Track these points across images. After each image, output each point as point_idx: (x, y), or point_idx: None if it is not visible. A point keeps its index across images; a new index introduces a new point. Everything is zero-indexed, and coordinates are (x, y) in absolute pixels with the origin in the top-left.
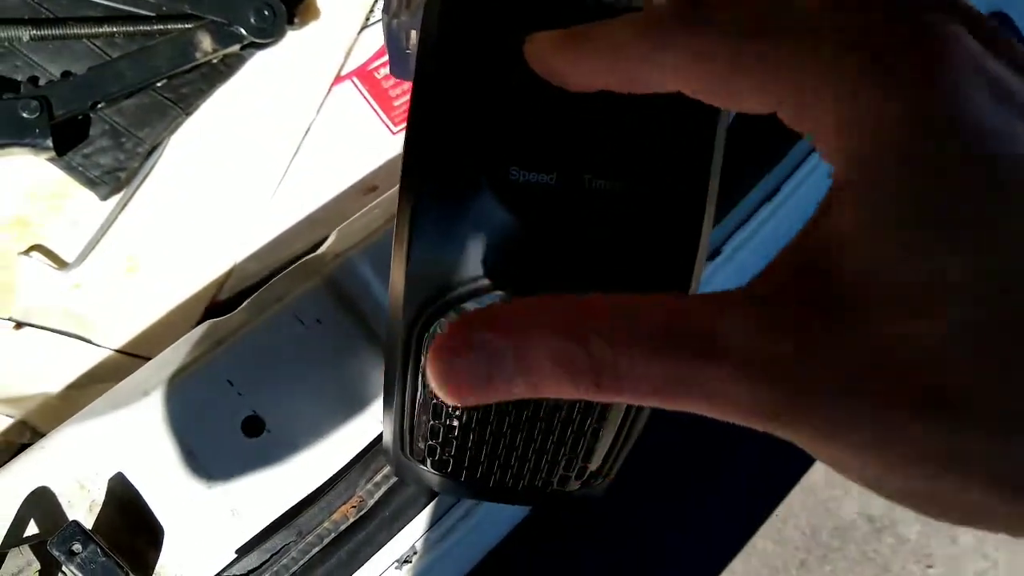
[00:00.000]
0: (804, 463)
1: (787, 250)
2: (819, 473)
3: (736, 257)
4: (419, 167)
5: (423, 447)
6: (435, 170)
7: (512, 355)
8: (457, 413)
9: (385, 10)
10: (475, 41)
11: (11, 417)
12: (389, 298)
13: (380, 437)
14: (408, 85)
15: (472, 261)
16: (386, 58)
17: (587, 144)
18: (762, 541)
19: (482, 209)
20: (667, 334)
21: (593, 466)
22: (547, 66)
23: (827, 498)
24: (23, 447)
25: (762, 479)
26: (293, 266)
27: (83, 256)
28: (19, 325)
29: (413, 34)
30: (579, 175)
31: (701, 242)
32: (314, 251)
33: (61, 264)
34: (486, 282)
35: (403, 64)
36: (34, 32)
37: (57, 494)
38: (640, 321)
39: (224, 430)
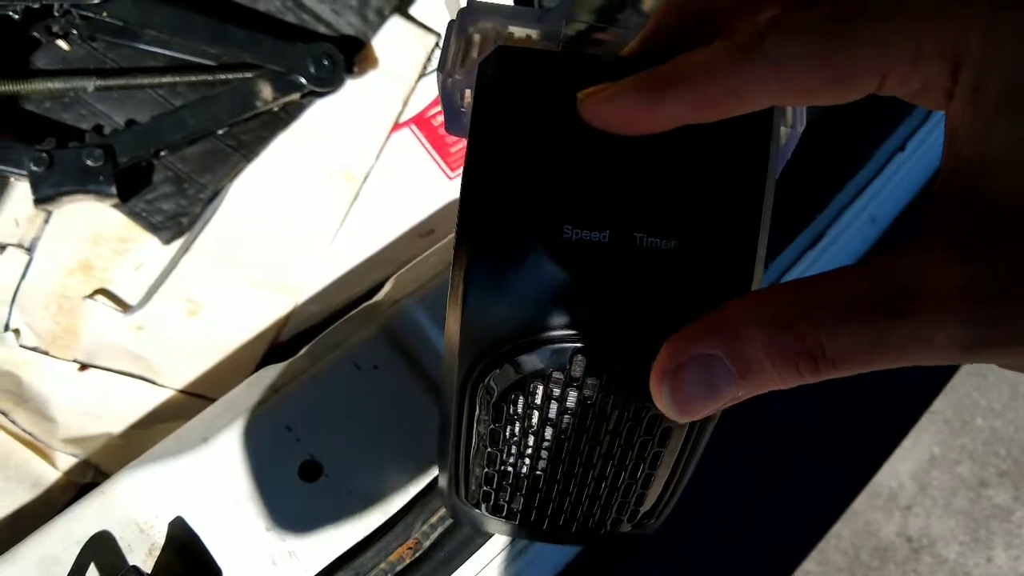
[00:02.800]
0: (848, 489)
1: (943, 185)
2: (860, 496)
3: None
4: (474, 225)
5: (478, 492)
6: (490, 228)
7: (728, 359)
8: (511, 461)
9: (439, 68)
10: (527, 102)
11: (75, 457)
12: (444, 349)
13: (436, 480)
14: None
15: (525, 316)
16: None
17: (638, 201)
18: (806, 562)
19: (536, 267)
20: (865, 301)
21: (645, 508)
22: (620, 113)
23: (868, 520)
24: (86, 486)
25: (808, 505)
26: (351, 313)
27: (145, 299)
28: (83, 367)
29: (467, 92)
30: (630, 233)
31: None
32: (373, 293)
33: (124, 307)
34: (538, 337)
35: (457, 121)
36: (99, 82)
37: (117, 538)
38: (836, 296)
39: (282, 474)
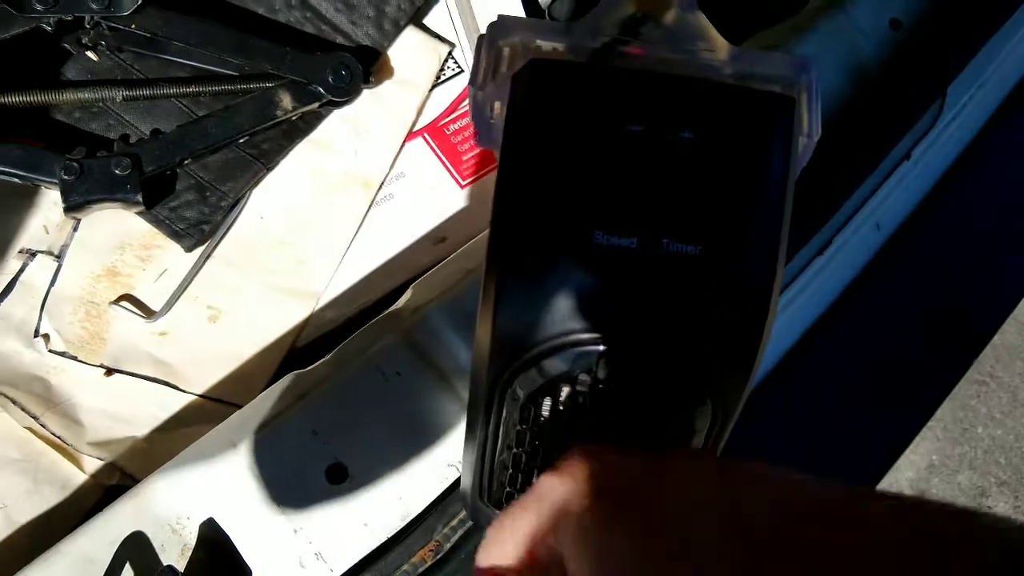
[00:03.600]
0: None
1: None
2: None
3: (787, 310)
4: (507, 231)
5: (500, 493)
6: (523, 234)
7: None
8: (538, 463)
9: (471, 82)
10: (559, 113)
11: (101, 459)
12: (473, 353)
13: (456, 483)
14: (476, 145)
15: (553, 320)
16: (456, 114)
17: (665, 209)
18: None
19: (567, 271)
20: None
21: None
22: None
23: None
24: (112, 488)
25: None
26: (373, 320)
27: (169, 305)
28: (109, 372)
29: (497, 105)
30: (658, 239)
31: (771, 305)
32: (388, 299)
33: (148, 313)
34: (567, 339)
35: (487, 133)
36: (127, 93)
37: (151, 538)
38: None
39: (309, 477)
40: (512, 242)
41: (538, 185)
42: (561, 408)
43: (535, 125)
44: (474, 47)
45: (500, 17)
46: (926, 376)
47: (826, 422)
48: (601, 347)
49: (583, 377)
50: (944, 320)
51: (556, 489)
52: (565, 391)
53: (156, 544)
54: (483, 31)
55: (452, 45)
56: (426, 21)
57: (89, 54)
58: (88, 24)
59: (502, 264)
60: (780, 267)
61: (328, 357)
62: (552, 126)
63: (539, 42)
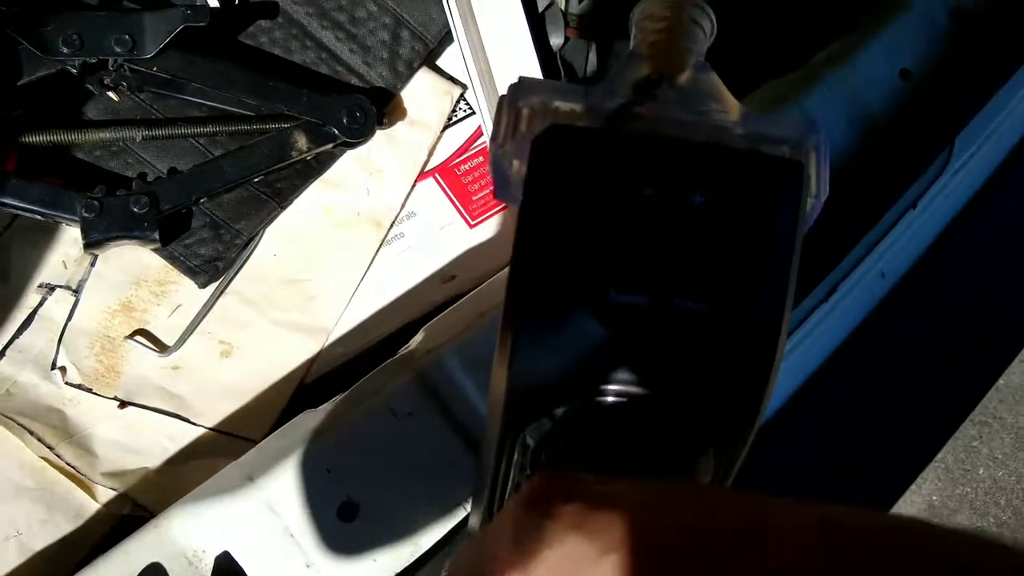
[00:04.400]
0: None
1: None
2: None
3: (792, 355)
4: (525, 287)
5: None
6: (539, 291)
7: None
8: None
9: (492, 139)
10: (576, 176)
11: (114, 490)
12: (488, 401)
13: (465, 521)
14: (490, 183)
15: (566, 373)
16: (466, 155)
17: (677, 268)
18: None
19: (582, 327)
20: None
21: None
22: None
23: None
24: (124, 518)
25: None
26: (387, 361)
27: (182, 341)
28: (123, 404)
29: (516, 162)
30: (668, 296)
31: (776, 361)
32: (397, 336)
33: (162, 348)
34: (577, 392)
35: (506, 188)
36: (146, 132)
37: (168, 570)
38: None
39: (321, 514)
40: (529, 297)
41: (556, 244)
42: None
43: (554, 188)
44: (488, 89)
45: (521, 79)
46: (929, 418)
47: (827, 466)
48: (611, 399)
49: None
50: (947, 364)
51: (518, 512)
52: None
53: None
54: (497, 73)
55: (464, 87)
56: (439, 63)
57: (111, 94)
58: (111, 66)
59: (519, 318)
60: (785, 325)
61: (342, 396)
62: (570, 189)
63: (557, 103)
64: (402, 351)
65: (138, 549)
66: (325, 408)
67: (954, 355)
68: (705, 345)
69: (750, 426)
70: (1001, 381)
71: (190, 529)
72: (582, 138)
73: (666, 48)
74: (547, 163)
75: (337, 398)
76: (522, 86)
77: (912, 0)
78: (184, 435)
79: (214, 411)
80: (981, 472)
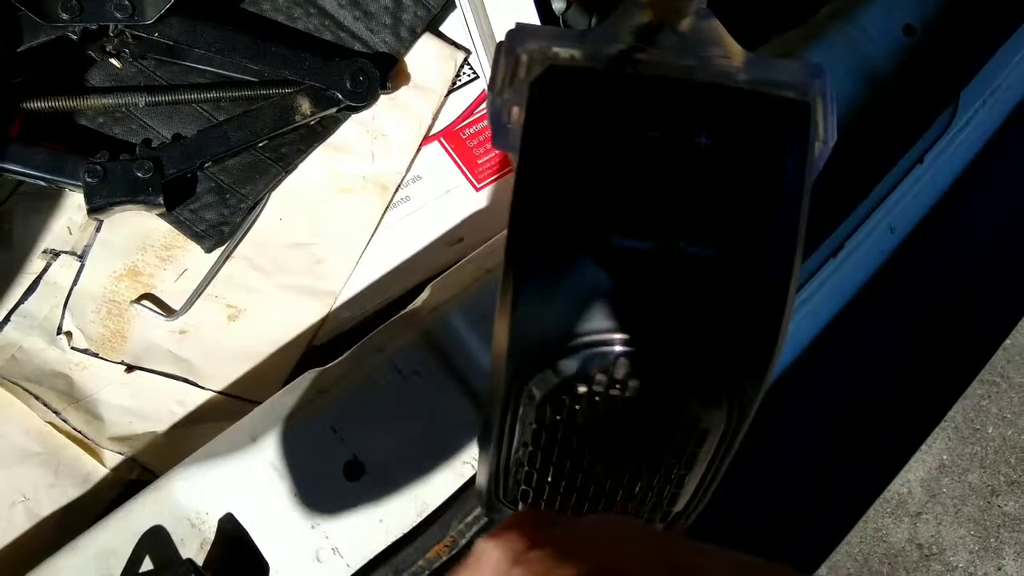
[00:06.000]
0: (860, 496)
1: None
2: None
3: (801, 311)
4: (526, 233)
5: (516, 491)
6: (541, 237)
7: None
8: (554, 460)
9: (490, 87)
10: (577, 119)
11: (122, 454)
12: (492, 353)
13: (471, 480)
14: (492, 148)
15: (571, 322)
16: (471, 119)
17: (683, 212)
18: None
19: (584, 274)
20: None
21: (677, 508)
22: None
23: (878, 526)
24: (132, 483)
25: (819, 512)
26: (392, 319)
27: (189, 304)
28: (130, 369)
29: (515, 110)
30: (675, 242)
31: (788, 307)
32: (404, 299)
33: (169, 312)
34: (584, 340)
35: (504, 136)
36: (149, 99)
37: (171, 532)
38: None
39: (327, 474)
40: (530, 243)
41: (556, 189)
42: (577, 408)
43: (553, 130)
44: (491, 54)
45: (518, 25)
46: (939, 376)
47: (838, 424)
48: (618, 348)
49: (600, 377)
50: (957, 322)
51: (490, 553)
52: (581, 390)
53: (176, 538)
54: (500, 38)
55: (468, 51)
56: (442, 28)
57: (113, 61)
58: (112, 32)
59: (520, 265)
60: (797, 270)
61: (347, 355)
62: (570, 131)
63: (556, 49)
64: (408, 308)
65: (139, 512)
66: (330, 367)
67: (963, 314)
68: (715, 291)
69: (763, 374)
70: (1009, 341)
71: (193, 491)
72: (583, 79)
73: None
74: (547, 105)
75: (342, 357)
76: (520, 32)
77: None
78: (192, 399)
79: (222, 375)
80: (991, 431)
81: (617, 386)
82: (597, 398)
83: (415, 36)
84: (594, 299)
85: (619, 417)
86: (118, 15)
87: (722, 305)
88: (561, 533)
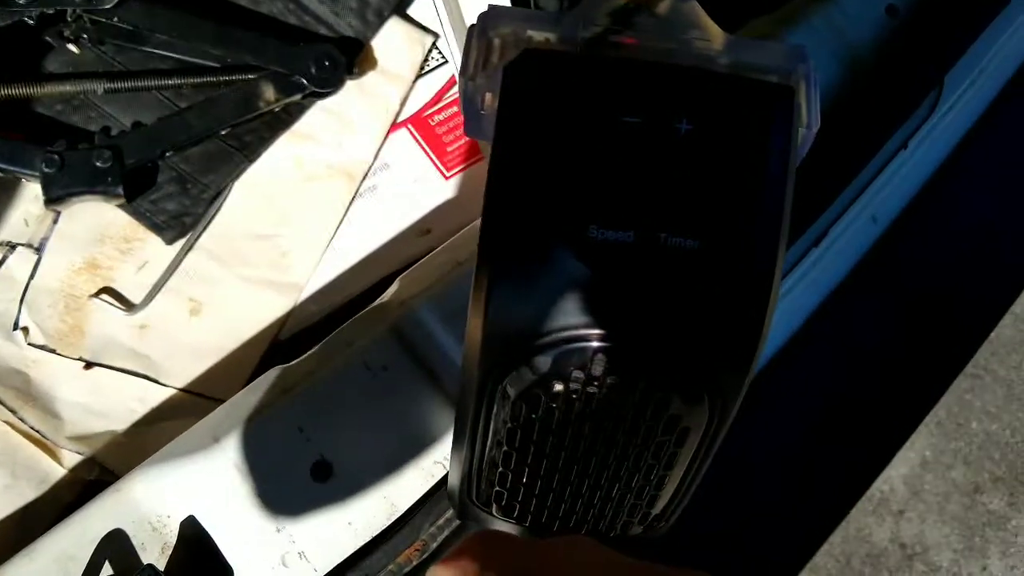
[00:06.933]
0: (841, 494)
1: None
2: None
3: (783, 301)
4: (499, 223)
5: (489, 492)
6: (515, 227)
7: None
8: (529, 461)
9: (462, 72)
10: (553, 105)
11: (81, 454)
12: (464, 348)
13: (443, 481)
14: (463, 135)
15: (547, 316)
16: (440, 105)
17: (663, 201)
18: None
19: (561, 266)
20: None
21: (656, 511)
22: None
23: (860, 526)
24: (91, 483)
25: (799, 511)
26: (360, 314)
27: (149, 298)
28: (88, 365)
29: (488, 96)
30: (656, 233)
31: (772, 301)
32: (372, 291)
33: (128, 306)
34: (560, 335)
35: (477, 124)
36: (108, 85)
37: (130, 536)
38: None
39: (293, 475)
40: (504, 235)
41: (531, 177)
42: (554, 406)
43: (528, 116)
44: (462, 38)
45: (490, 7)
46: (923, 368)
47: (821, 417)
48: (596, 343)
49: (577, 374)
50: (940, 312)
51: None
52: (558, 388)
53: (136, 542)
54: (470, 21)
55: (436, 35)
56: (410, 11)
57: (71, 47)
58: (70, 17)
59: (494, 257)
60: (780, 261)
61: (313, 350)
62: (546, 117)
63: (530, 32)
64: (376, 302)
65: (98, 515)
66: (295, 364)
67: (946, 305)
68: (696, 284)
69: (746, 369)
70: (993, 334)
71: (153, 493)
72: (558, 63)
73: None
74: (521, 90)
75: (308, 353)
76: (492, 14)
77: None
78: (152, 396)
79: (183, 371)
80: (974, 426)
81: (595, 383)
82: (574, 396)
83: (382, 19)
84: (571, 293)
85: (597, 415)
86: None
87: (704, 298)
88: (515, 558)
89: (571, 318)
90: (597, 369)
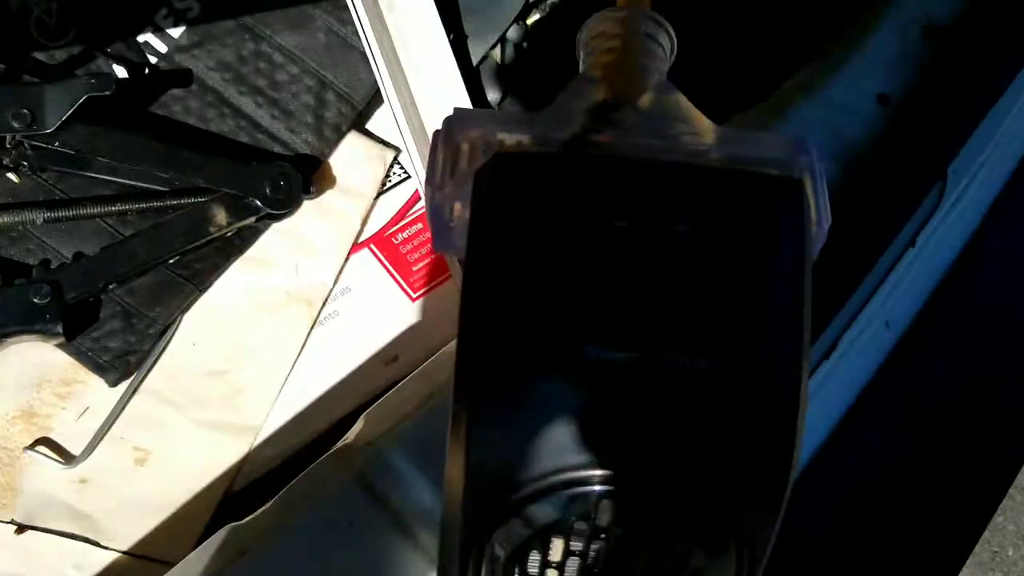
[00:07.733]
0: None
1: None
2: None
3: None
4: (478, 350)
5: None
6: (497, 353)
7: None
8: None
9: (428, 182)
10: (531, 211)
11: None
12: (443, 499)
13: None
14: (430, 251)
15: (540, 456)
16: (404, 222)
17: (666, 315)
18: None
19: (552, 396)
20: None
21: None
22: None
23: None
24: None
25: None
26: (320, 459)
27: (91, 448)
28: (21, 528)
29: (457, 206)
30: (659, 352)
31: (800, 427)
32: (334, 431)
33: (68, 458)
34: (557, 479)
35: (446, 237)
36: (48, 214)
37: None
38: None
39: None
40: (484, 361)
41: (512, 292)
42: (553, 565)
43: (505, 224)
44: (424, 151)
45: (456, 109)
46: (953, 498)
47: (844, 547)
48: (599, 487)
49: (579, 525)
50: (966, 426)
51: None
52: (557, 544)
53: None
54: (432, 132)
55: (398, 150)
56: (369, 126)
57: (10, 175)
58: (9, 144)
59: (473, 388)
60: (807, 378)
61: (269, 505)
62: (525, 225)
63: (501, 135)
64: (338, 445)
65: None
66: (250, 521)
67: (974, 423)
68: (712, 411)
69: (776, 508)
70: None
71: None
72: (535, 165)
73: (621, 68)
74: (496, 196)
75: (264, 508)
76: (459, 117)
77: (880, 21)
78: (93, 562)
79: (128, 531)
80: (1011, 553)
81: (601, 536)
82: (577, 553)
83: (340, 135)
84: (566, 427)
85: (604, 572)
86: (16, 125)
87: (724, 428)
88: None
89: (569, 457)
90: (603, 518)
